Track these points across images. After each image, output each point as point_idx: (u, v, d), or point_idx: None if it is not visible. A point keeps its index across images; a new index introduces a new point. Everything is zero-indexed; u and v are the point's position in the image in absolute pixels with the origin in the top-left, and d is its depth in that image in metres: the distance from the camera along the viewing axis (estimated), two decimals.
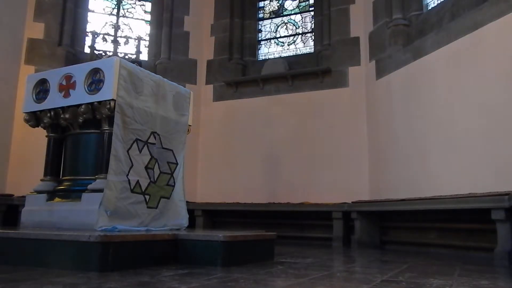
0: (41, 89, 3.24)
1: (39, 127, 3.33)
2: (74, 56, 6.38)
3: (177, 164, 3.41)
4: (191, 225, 4.32)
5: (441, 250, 4.19)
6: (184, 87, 3.86)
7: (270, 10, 7.48)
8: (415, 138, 4.83)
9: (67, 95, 3.08)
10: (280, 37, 7.28)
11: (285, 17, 7.34)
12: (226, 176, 6.55)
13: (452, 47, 4.40)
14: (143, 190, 3.03)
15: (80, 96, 3.01)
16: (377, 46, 5.74)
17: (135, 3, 7.38)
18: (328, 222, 5.41)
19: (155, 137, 3.20)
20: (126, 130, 2.93)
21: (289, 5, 7.37)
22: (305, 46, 7.05)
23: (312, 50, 6.87)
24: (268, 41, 7.34)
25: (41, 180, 3.26)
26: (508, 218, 3.23)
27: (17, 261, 2.25)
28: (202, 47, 7.23)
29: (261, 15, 7.50)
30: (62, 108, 3.11)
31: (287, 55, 7.03)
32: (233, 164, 6.55)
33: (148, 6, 7.40)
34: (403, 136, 5.05)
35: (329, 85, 6.28)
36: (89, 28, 6.81)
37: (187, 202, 3.56)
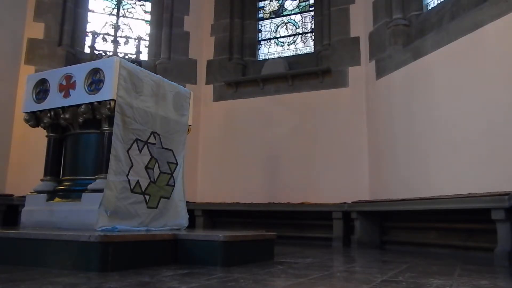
0: (41, 89, 3.24)
1: (39, 127, 3.33)
2: (74, 56, 6.38)
3: (177, 164, 3.41)
4: (191, 225, 4.32)
5: (441, 250, 4.19)
6: (184, 87, 3.86)
7: (270, 10, 7.48)
8: (415, 138, 4.83)
9: (67, 95, 3.08)
10: (280, 37, 7.28)
11: (285, 17, 7.34)
12: (226, 176, 6.55)
13: (452, 47, 4.40)
14: (143, 190, 3.03)
15: (80, 96, 3.01)
16: (377, 46, 5.74)
17: (135, 3, 7.38)
18: (328, 222, 5.41)
19: (155, 137, 3.20)
20: (126, 130, 2.93)
21: (289, 5, 7.37)
22: (305, 46, 7.05)
23: (312, 50, 6.87)
24: (268, 41, 7.34)
25: (41, 180, 3.26)
26: (508, 218, 3.23)
27: (17, 261, 2.25)
28: (202, 47, 7.23)
29: (261, 15, 7.50)
30: (62, 108, 3.11)
31: (287, 55, 7.02)
32: (233, 164, 6.55)
33: (148, 6, 7.39)
34: (403, 136, 5.05)
35: (329, 85, 6.28)
36: (89, 28, 6.81)
37: (187, 202, 3.56)
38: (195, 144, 6.63)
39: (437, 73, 4.59)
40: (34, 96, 3.25)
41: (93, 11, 7.00)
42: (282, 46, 7.22)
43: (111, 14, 7.13)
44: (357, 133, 5.92)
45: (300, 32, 7.16)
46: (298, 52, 7.05)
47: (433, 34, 4.74)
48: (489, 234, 3.53)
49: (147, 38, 7.17)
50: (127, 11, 7.31)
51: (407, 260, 3.21)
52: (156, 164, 3.20)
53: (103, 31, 6.54)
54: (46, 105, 3.18)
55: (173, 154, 3.39)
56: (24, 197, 3.43)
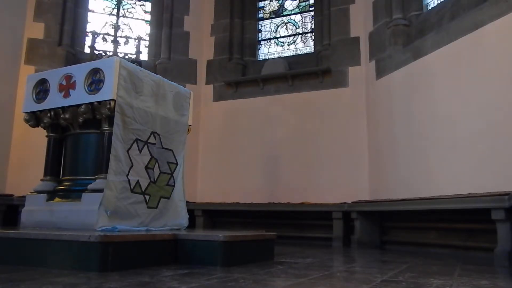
0: (41, 89, 3.24)
1: (39, 127, 3.33)
2: (74, 56, 6.38)
3: (177, 164, 3.41)
4: (191, 225, 4.32)
5: (441, 250, 4.19)
6: (184, 87, 3.86)
7: (270, 10, 7.48)
8: (415, 138, 4.83)
9: (67, 95, 3.08)
10: (280, 37, 7.28)
11: (285, 17, 7.34)
12: (226, 176, 6.55)
13: (452, 47, 4.40)
14: (143, 190, 3.03)
15: (80, 96, 3.01)
16: (377, 46, 5.74)
17: (135, 3, 7.38)
18: (328, 222, 5.41)
19: (155, 137, 3.20)
20: (126, 130, 2.93)
21: (289, 5, 7.37)
22: (305, 46, 7.05)
23: (312, 50, 6.87)
24: (268, 41, 7.34)
25: (41, 180, 3.26)
26: (508, 218, 3.23)
27: (17, 261, 2.25)
28: (202, 47, 7.23)
29: (261, 15, 7.50)
30: (62, 108, 3.11)
31: (287, 55, 7.02)
32: (233, 164, 6.55)
33: (148, 6, 7.39)
34: (403, 136, 5.05)
35: (329, 85, 6.28)
36: (89, 28, 6.81)
37: (187, 202, 3.56)
38: (195, 144, 6.63)
39: (437, 73, 4.59)
40: (34, 96, 3.25)
41: (93, 11, 7.00)
42: (282, 46, 7.22)
43: (111, 14, 7.13)
44: (357, 133, 5.92)
45: (300, 32, 7.16)
46: (298, 52, 7.05)
47: (433, 34, 4.74)
48: (489, 234, 3.53)
49: (147, 38, 7.17)
50: (127, 11, 7.31)
51: (407, 260, 3.21)
52: (156, 164, 3.20)
53: (103, 31, 6.54)
54: (46, 105, 3.18)
55: (173, 154, 3.39)
56: (24, 197, 3.43)
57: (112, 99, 2.87)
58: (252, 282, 1.88)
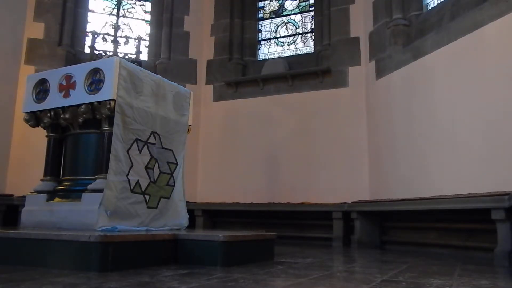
0: (41, 89, 3.24)
1: (39, 127, 3.33)
2: (74, 56, 6.38)
3: (177, 164, 3.41)
4: (191, 225, 4.32)
5: (441, 250, 4.19)
6: (184, 87, 3.86)
7: (270, 10, 7.48)
8: (415, 138, 4.83)
9: (67, 95, 3.08)
10: (280, 37, 7.28)
11: (285, 17, 7.34)
12: (226, 176, 6.55)
13: (452, 47, 4.40)
14: (143, 190, 3.03)
15: (80, 96, 3.02)
16: (377, 46, 5.74)
17: (135, 3, 7.38)
18: (328, 222, 5.41)
19: (155, 137, 3.20)
20: (126, 130, 2.94)
21: (289, 5, 7.37)
22: (305, 46, 7.05)
23: (312, 50, 6.87)
24: (268, 41, 7.34)
25: (41, 180, 3.26)
26: (508, 218, 3.23)
27: (17, 261, 2.25)
28: (202, 47, 7.23)
29: (261, 15, 7.50)
30: (62, 108, 3.12)
31: (287, 55, 7.02)
32: (233, 164, 6.55)
33: (148, 6, 7.39)
34: (403, 136, 5.05)
35: (329, 85, 6.28)
36: (89, 28, 6.80)
37: (187, 202, 3.56)
38: (195, 144, 6.63)
39: (437, 73, 4.59)
40: (34, 96, 3.25)
41: (93, 11, 7.00)
42: (282, 46, 7.22)
43: (111, 14, 7.13)
44: (357, 133, 5.92)
45: (300, 32, 7.16)
46: (298, 52, 7.05)
47: (433, 34, 4.74)
48: (489, 234, 3.53)
49: (147, 38, 7.17)
50: (127, 11, 7.31)
51: (407, 260, 3.21)
52: (156, 164, 3.20)
53: (103, 31, 6.53)
54: (46, 105, 3.18)
55: (173, 154, 3.39)
56: (24, 197, 3.43)
57: (112, 99, 2.87)
58: (252, 282, 1.88)
